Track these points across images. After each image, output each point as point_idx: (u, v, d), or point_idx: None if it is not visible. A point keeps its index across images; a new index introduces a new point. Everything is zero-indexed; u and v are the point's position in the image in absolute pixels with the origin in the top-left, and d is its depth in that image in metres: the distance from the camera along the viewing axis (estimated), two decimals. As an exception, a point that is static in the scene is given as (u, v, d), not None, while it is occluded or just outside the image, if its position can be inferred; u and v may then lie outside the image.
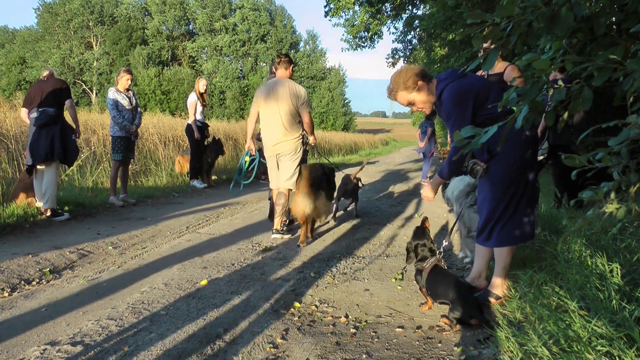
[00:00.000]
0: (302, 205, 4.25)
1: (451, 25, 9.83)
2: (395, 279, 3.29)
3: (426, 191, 2.81)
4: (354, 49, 18.75)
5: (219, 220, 5.56)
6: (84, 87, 41.67)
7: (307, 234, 4.43)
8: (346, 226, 5.20)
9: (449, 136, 2.93)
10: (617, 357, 1.62)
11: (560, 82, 1.40)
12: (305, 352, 2.19)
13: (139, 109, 6.48)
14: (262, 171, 9.37)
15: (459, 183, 3.57)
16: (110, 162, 6.98)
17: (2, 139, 7.19)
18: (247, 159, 4.92)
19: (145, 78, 35.38)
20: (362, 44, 18.42)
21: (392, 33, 20.98)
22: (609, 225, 2.77)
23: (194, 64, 44.04)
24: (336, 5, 16.23)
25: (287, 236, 4.59)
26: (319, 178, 4.43)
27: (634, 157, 1.26)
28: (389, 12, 16.46)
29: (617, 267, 2.19)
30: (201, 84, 8.06)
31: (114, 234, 4.68)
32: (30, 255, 3.77)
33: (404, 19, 15.93)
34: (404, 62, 19.86)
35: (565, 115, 1.44)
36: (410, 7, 15.91)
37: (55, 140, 5.03)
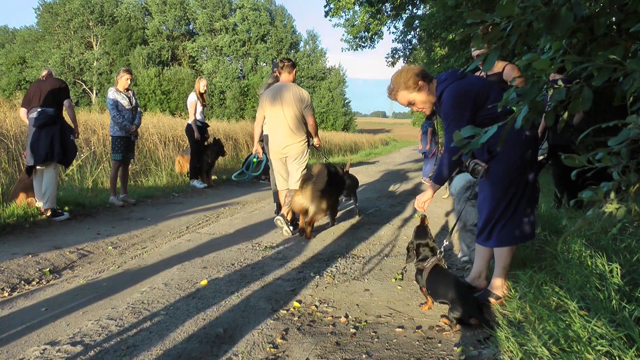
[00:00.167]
0: (307, 204, 4.41)
1: (451, 25, 9.82)
2: (395, 279, 3.29)
3: (423, 197, 2.76)
4: (354, 49, 18.75)
5: (219, 220, 5.56)
6: (84, 87, 41.68)
7: (308, 228, 4.60)
8: (346, 226, 5.20)
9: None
10: (617, 357, 1.62)
11: (560, 82, 1.40)
12: (305, 352, 2.19)
13: (138, 108, 6.48)
14: (263, 171, 9.40)
15: (460, 180, 3.55)
16: (110, 162, 6.98)
17: (2, 138, 7.19)
18: (255, 160, 4.98)
19: (145, 78, 35.38)
20: (362, 44, 18.42)
21: (392, 33, 20.99)
22: (608, 225, 2.77)
23: (194, 64, 44.05)
24: (336, 5, 16.23)
25: (290, 228, 4.72)
26: (326, 177, 4.55)
27: (634, 157, 1.26)
28: (389, 12, 16.45)
29: (617, 267, 2.19)
30: (202, 85, 8.06)
31: (114, 234, 4.68)
32: (30, 255, 3.77)
33: (404, 19, 15.93)
34: (403, 62, 19.86)
35: (565, 115, 1.44)
36: (410, 7, 15.91)
37: (54, 141, 5.03)
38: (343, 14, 17.06)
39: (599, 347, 1.68)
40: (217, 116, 29.07)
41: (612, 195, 1.26)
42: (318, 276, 3.36)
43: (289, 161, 4.72)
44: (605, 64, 1.29)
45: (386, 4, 15.51)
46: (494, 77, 3.86)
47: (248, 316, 2.63)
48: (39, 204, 5.15)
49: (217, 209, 6.24)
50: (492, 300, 2.68)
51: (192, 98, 7.95)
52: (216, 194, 7.79)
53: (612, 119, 1.38)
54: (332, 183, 4.66)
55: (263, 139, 5.38)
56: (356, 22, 17.58)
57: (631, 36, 1.45)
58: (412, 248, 2.72)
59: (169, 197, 7.30)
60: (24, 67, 40.53)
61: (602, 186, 1.27)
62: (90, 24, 41.97)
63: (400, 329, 2.45)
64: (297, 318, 2.61)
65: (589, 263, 2.41)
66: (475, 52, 3.83)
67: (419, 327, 2.47)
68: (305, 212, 4.51)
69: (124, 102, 6.15)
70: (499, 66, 3.90)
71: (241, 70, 44.01)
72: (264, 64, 43.21)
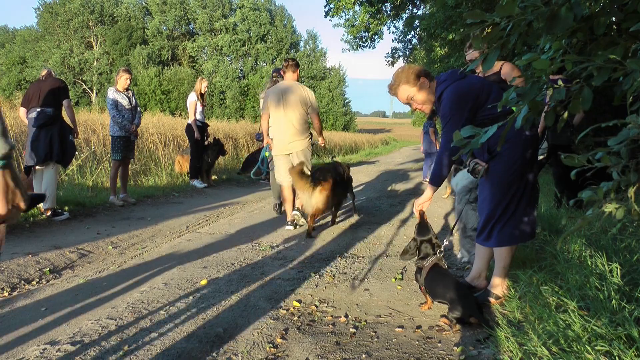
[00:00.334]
0: (315, 202, 4.56)
1: (451, 25, 9.82)
2: (395, 279, 3.29)
3: (422, 198, 2.76)
4: (354, 49, 18.75)
5: (219, 220, 5.56)
6: (84, 86, 41.66)
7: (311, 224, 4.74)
8: (346, 226, 5.20)
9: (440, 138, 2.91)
10: (616, 357, 1.62)
11: (560, 82, 1.40)
12: (304, 352, 2.19)
13: (138, 108, 6.48)
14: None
15: (463, 180, 3.53)
16: (110, 162, 6.98)
17: (2, 138, 7.18)
18: (267, 153, 5.27)
19: (145, 78, 35.36)
20: (363, 44, 18.42)
21: (392, 32, 20.97)
22: (608, 225, 2.77)
23: (194, 64, 44.03)
24: (336, 5, 16.22)
25: (302, 220, 4.96)
26: (328, 174, 4.71)
27: (634, 156, 1.26)
28: (389, 12, 16.45)
29: (616, 267, 2.19)
30: (203, 85, 8.07)
31: (114, 234, 4.68)
32: (30, 255, 3.77)
33: (404, 18, 15.92)
34: (403, 62, 19.87)
35: (565, 115, 1.44)
36: (410, 7, 15.91)
37: (53, 141, 5.03)
38: (343, 14, 17.06)
39: (598, 347, 1.68)
40: (217, 116, 29.06)
41: (612, 195, 1.26)
42: (318, 276, 3.36)
43: (293, 158, 4.87)
44: (605, 64, 1.29)
45: (386, 4, 15.51)
46: (492, 77, 3.86)
47: (248, 316, 2.63)
48: (39, 204, 5.15)
49: (217, 209, 6.24)
50: (492, 300, 2.68)
51: (192, 98, 7.95)
52: (216, 194, 7.79)
53: (611, 119, 1.38)
54: (340, 183, 4.87)
55: (260, 139, 5.53)
56: (356, 22, 17.58)
57: (631, 36, 1.45)
58: (414, 245, 2.71)
59: (169, 196, 7.30)
60: (24, 67, 40.51)
61: (602, 186, 1.27)
62: (90, 24, 41.93)
63: (400, 329, 2.45)
64: (296, 318, 2.61)
65: (589, 263, 2.41)
66: (469, 57, 3.82)
67: (418, 327, 2.47)
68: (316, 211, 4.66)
69: (124, 101, 6.15)
70: (497, 66, 3.89)
71: (241, 70, 43.99)
72: (264, 64, 43.19)
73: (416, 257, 2.71)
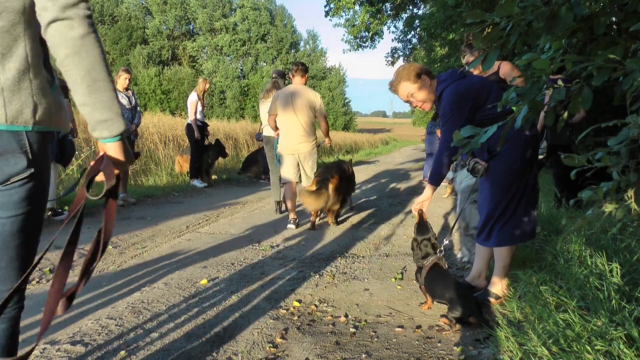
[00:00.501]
0: (318, 200, 4.74)
1: (451, 24, 9.82)
2: (395, 279, 3.29)
3: (421, 198, 2.75)
4: (355, 49, 18.74)
5: (219, 219, 5.56)
6: (84, 86, 41.60)
7: (315, 220, 5.02)
8: (346, 226, 5.20)
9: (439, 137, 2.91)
10: (616, 357, 1.62)
11: (560, 82, 1.40)
12: (304, 352, 2.19)
13: (138, 108, 6.48)
14: (263, 171, 9.40)
15: (467, 177, 3.52)
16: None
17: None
18: (279, 146, 5.40)
19: (145, 77, 35.34)
20: (363, 44, 18.42)
21: (392, 32, 21.01)
22: (608, 225, 2.77)
23: (194, 64, 44.01)
24: (336, 5, 16.22)
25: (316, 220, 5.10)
26: (334, 173, 4.90)
27: (634, 156, 1.26)
28: (389, 12, 16.45)
29: (616, 267, 2.19)
30: (206, 86, 8.09)
31: (114, 234, 4.67)
32: (30, 255, 3.77)
33: (404, 18, 15.92)
34: (403, 62, 19.86)
35: (565, 115, 1.44)
36: (410, 7, 15.90)
37: (52, 141, 5.03)
38: (343, 14, 17.05)
39: (598, 347, 1.68)
40: (217, 116, 29.04)
41: (612, 195, 1.26)
42: (318, 276, 3.36)
43: (301, 159, 5.05)
44: (605, 64, 1.29)
45: (386, 4, 15.50)
46: (492, 76, 3.86)
47: (248, 316, 2.63)
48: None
49: (217, 209, 6.24)
50: (491, 299, 2.68)
51: (193, 97, 7.95)
52: (216, 194, 7.80)
53: (611, 118, 1.38)
54: (345, 179, 5.08)
55: (263, 139, 5.81)
56: (356, 22, 17.57)
57: (631, 36, 1.45)
58: (415, 245, 2.72)
59: (169, 196, 7.30)
60: (24, 67, 40.48)
61: (602, 186, 1.27)
62: (91, 24, 41.88)
63: (400, 329, 2.45)
64: (296, 317, 2.62)
65: (589, 263, 2.41)
66: (465, 61, 3.82)
67: (418, 327, 2.47)
68: (317, 208, 4.88)
69: (124, 101, 6.15)
70: (494, 65, 3.89)
71: (241, 69, 43.97)
72: (264, 64, 43.16)
73: (417, 257, 2.72)
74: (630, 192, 1.24)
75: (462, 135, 1.54)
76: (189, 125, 8.07)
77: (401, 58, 19.73)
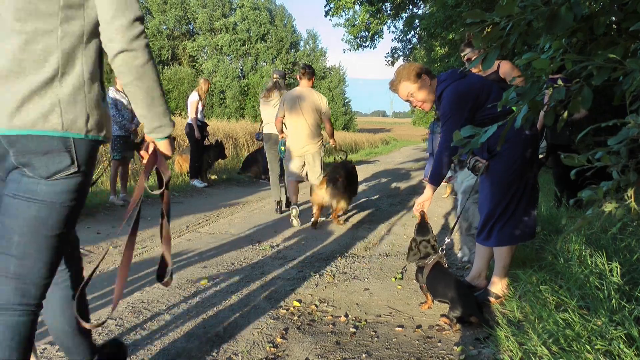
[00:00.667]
0: (327, 197, 5.00)
1: (451, 24, 9.82)
2: (395, 278, 3.29)
3: (423, 196, 2.75)
4: (355, 49, 18.72)
5: (219, 219, 5.56)
6: (84, 86, 41.60)
7: (318, 218, 5.18)
8: (346, 225, 5.20)
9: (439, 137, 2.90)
10: (616, 357, 1.63)
11: (559, 82, 1.40)
12: (305, 352, 2.19)
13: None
14: (263, 171, 9.40)
15: (468, 177, 3.52)
16: (110, 162, 6.97)
17: (2, 138, 7.19)
18: (283, 148, 5.60)
19: (145, 77, 35.30)
20: (363, 44, 18.40)
21: (392, 32, 21.00)
22: (608, 224, 2.77)
23: (194, 64, 44.00)
24: (336, 4, 16.21)
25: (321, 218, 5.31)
26: (341, 172, 5.10)
27: (633, 156, 1.26)
28: (389, 12, 16.44)
29: (616, 267, 2.20)
30: (208, 87, 8.10)
31: (114, 234, 4.68)
32: (30, 255, 3.77)
33: (404, 18, 15.91)
34: (403, 61, 19.85)
35: (565, 114, 1.44)
36: (410, 6, 15.90)
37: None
38: (343, 14, 17.04)
39: (598, 346, 1.68)
40: (217, 115, 29.01)
41: (612, 194, 1.27)
42: (318, 275, 3.36)
43: (307, 159, 5.27)
44: (605, 63, 1.29)
45: (386, 4, 15.50)
46: (491, 75, 3.86)
47: (248, 315, 2.63)
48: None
49: (217, 209, 6.24)
50: (491, 299, 2.68)
51: (194, 97, 7.96)
52: (216, 194, 7.80)
53: (611, 118, 1.38)
54: (352, 182, 5.34)
55: (263, 139, 6.05)
56: (356, 22, 17.56)
57: (631, 35, 1.45)
58: (414, 245, 2.72)
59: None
60: (24, 67, 40.48)
61: (602, 185, 1.28)
62: (90, 24, 41.88)
63: (400, 328, 2.45)
64: (297, 317, 2.62)
65: (589, 262, 2.42)
66: (466, 58, 3.82)
67: (418, 327, 2.47)
68: (325, 206, 5.10)
69: (124, 101, 6.15)
70: (494, 64, 3.89)
71: (241, 69, 43.95)
72: (264, 64, 43.15)
73: (413, 256, 2.72)
74: (630, 192, 1.24)
75: (462, 135, 1.54)
76: (189, 125, 8.07)
77: (401, 58, 19.73)
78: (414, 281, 2.91)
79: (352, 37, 18.08)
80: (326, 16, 17.06)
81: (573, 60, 1.33)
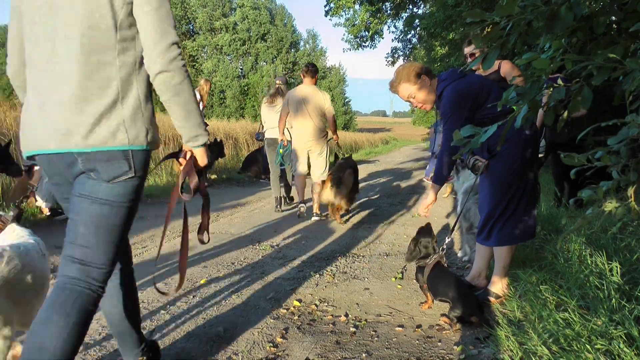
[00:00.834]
0: (331, 195, 5.16)
1: (451, 24, 9.82)
2: (395, 278, 3.29)
3: (428, 198, 2.76)
4: (355, 49, 18.71)
5: (219, 219, 5.56)
6: (84, 86, 41.57)
7: (336, 215, 5.28)
8: (346, 225, 5.20)
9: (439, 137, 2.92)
10: (616, 356, 1.63)
11: (559, 81, 1.40)
12: (305, 351, 2.20)
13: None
14: (263, 170, 9.40)
15: (470, 177, 3.52)
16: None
17: (2, 137, 7.19)
18: (282, 151, 5.80)
19: (145, 77, 35.30)
20: (363, 44, 18.38)
21: (392, 32, 20.96)
22: (608, 224, 2.77)
23: (194, 63, 44.00)
24: (336, 4, 16.19)
25: (324, 216, 5.46)
26: (347, 171, 5.25)
27: (633, 156, 1.26)
28: (389, 12, 16.43)
29: (616, 266, 2.20)
30: (208, 87, 8.12)
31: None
32: (30, 255, 3.77)
33: (404, 18, 15.90)
34: (403, 61, 19.83)
35: (565, 114, 1.44)
36: (410, 6, 15.89)
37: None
38: (343, 13, 17.02)
39: (598, 346, 1.68)
40: (217, 115, 29.01)
41: (612, 194, 1.27)
42: (318, 275, 3.36)
43: (312, 155, 5.47)
44: (605, 63, 1.29)
45: (386, 3, 15.49)
46: (492, 75, 3.86)
47: (248, 315, 2.63)
48: (40, 203, 5.15)
49: (217, 209, 6.24)
50: (492, 299, 2.68)
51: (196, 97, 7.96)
52: (216, 193, 7.80)
53: (611, 118, 1.38)
54: (355, 180, 5.47)
55: (264, 140, 6.28)
56: (356, 22, 17.54)
57: (631, 35, 1.45)
58: (415, 245, 2.73)
59: (169, 196, 7.29)
60: (24, 67, 40.44)
61: (602, 185, 1.28)
62: (90, 24, 41.85)
63: (400, 328, 2.45)
64: (297, 317, 2.62)
65: (589, 262, 2.42)
66: (467, 51, 3.83)
67: (419, 326, 2.47)
68: (331, 203, 5.26)
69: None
70: (495, 64, 3.89)
71: (241, 69, 43.94)
72: (264, 63, 43.13)
73: (418, 257, 2.73)
74: (630, 191, 1.24)
75: (462, 134, 1.54)
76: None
77: (401, 58, 19.71)
78: (414, 281, 2.91)
79: (352, 36, 18.07)
80: (326, 16, 17.04)
81: (573, 60, 1.33)
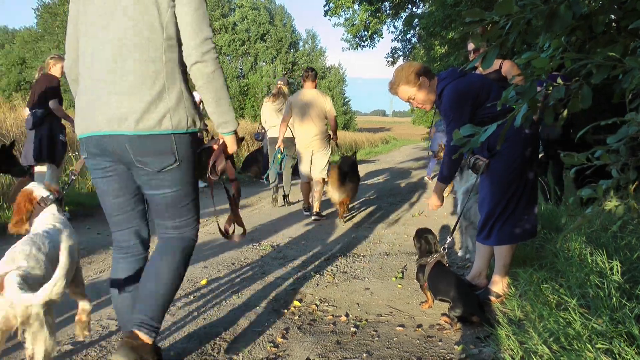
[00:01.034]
0: (337, 192, 5.26)
1: (450, 23, 9.81)
2: (396, 278, 3.29)
3: (433, 200, 2.81)
4: (354, 49, 18.69)
5: (219, 219, 5.54)
6: (84, 87, 41.53)
7: (344, 213, 5.44)
8: (346, 225, 5.20)
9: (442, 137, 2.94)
10: (617, 355, 1.63)
11: (559, 80, 1.40)
12: (305, 351, 2.19)
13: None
14: (263, 171, 9.40)
15: (471, 177, 3.52)
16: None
17: (2, 139, 7.19)
18: (279, 156, 6.00)
19: (145, 78, 35.29)
20: (363, 44, 18.37)
21: (392, 32, 20.98)
22: (608, 222, 2.77)
23: (193, 64, 43.95)
24: (335, 4, 16.18)
25: (324, 217, 5.54)
26: (348, 168, 5.38)
27: (633, 154, 1.26)
28: (388, 11, 16.42)
29: (617, 265, 2.19)
30: None
31: (115, 234, 4.67)
32: (30, 256, 3.77)
33: (404, 17, 15.89)
34: (403, 61, 19.82)
35: (565, 113, 1.44)
36: (409, 6, 15.88)
37: (43, 141, 5.11)
38: (342, 13, 17.01)
39: (599, 345, 1.68)
40: (217, 116, 28.94)
41: (612, 193, 1.27)
42: (318, 275, 3.36)
43: (315, 155, 5.62)
44: (605, 62, 1.29)
45: (385, 3, 15.48)
46: (492, 74, 3.85)
47: (248, 315, 2.63)
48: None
49: (217, 209, 6.23)
50: (492, 298, 2.68)
51: (196, 97, 7.96)
52: (216, 194, 7.79)
53: (611, 116, 1.38)
54: (358, 178, 5.65)
55: (264, 139, 6.44)
56: (356, 22, 17.53)
57: (630, 33, 1.45)
58: (419, 243, 2.76)
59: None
60: (24, 68, 40.41)
61: (601, 184, 1.27)
62: (90, 24, 41.80)
63: (400, 328, 2.45)
64: (297, 317, 2.62)
65: (589, 261, 2.41)
66: (470, 47, 3.83)
67: (419, 326, 2.47)
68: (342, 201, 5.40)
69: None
70: (496, 63, 3.89)
71: (241, 69, 43.94)
72: (264, 63, 43.12)
73: (418, 256, 2.73)
74: (631, 189, 1.24)
75: (462, 134, 1.54)
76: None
77: (401, 58, 19.70)
78: (415, 280, 2.91)
79: (351, 36, 18.06)
80: (325, 16, 17.02)
81: (572, 58, 1.33)
